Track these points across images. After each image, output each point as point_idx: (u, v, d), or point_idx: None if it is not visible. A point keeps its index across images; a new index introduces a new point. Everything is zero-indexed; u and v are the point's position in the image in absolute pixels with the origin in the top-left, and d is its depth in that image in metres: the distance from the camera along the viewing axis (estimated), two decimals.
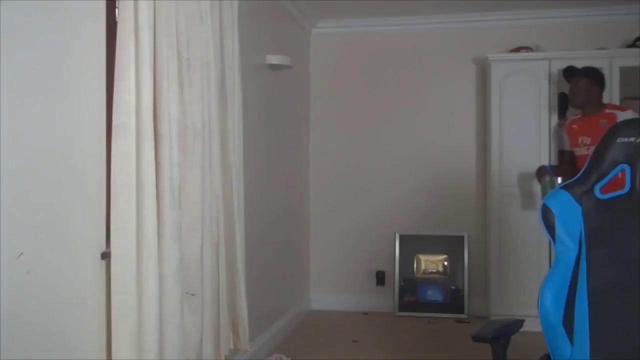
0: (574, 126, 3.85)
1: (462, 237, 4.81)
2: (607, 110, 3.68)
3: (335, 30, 5.08)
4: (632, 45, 4.41)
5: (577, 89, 3.76)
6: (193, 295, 2.41)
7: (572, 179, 1.90)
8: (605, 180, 1.85)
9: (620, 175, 1.83)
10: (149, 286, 2.08)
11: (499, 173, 4.43)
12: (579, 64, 4.38)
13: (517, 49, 4.57)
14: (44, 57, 1.82)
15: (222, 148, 2.71)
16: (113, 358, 2.04)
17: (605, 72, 4.25)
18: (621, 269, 1.79)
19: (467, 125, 4.87)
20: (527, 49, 4.56)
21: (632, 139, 1.81)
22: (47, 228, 1.84)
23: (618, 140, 1.83)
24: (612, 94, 4.25)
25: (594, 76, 3.76)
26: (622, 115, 3.44)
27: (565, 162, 3.99)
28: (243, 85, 2.95)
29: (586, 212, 1.84)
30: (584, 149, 3.72)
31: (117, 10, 2.18)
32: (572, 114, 4.13)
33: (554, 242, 1.86)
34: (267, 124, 3.97)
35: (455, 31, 4.86)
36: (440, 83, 4.86)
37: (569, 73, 3.85)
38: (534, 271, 4.25)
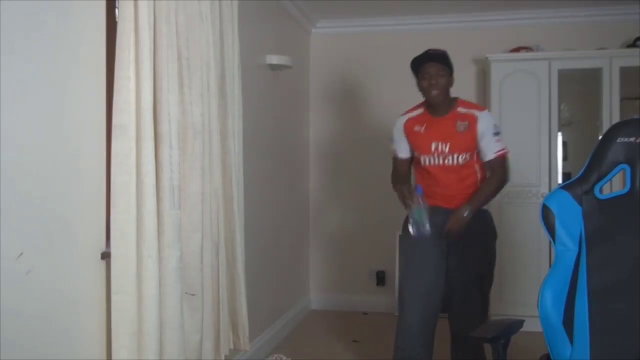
0: (416, 128, 2.94)
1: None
2: (461, 109, 2.90)
3: (335, 30, 5.08)
4: (632, 45, 4.41)
5: (433, 80, 2.83)
6: (193, 295, 2.42)
7: (572, 179, 1.90)
8: (605, 180, 1.85)
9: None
10: (149, 286, 2.08)
11: None
12: (579, 64, 4.40)
13: (517, 49, 4.57)
14: (44, 57, 1.82)
15: (222, 148, 2.71)
16: (113, 358, 2.04)
17: (605, 72, 4.27)
18: (621, 269, 1.79)
19: None
20: (527, 49, 4.56)
21: (632, 139, 1.81)
22: (47, 228, 1.84)
23: (618, 140, 1.84)
24: (612, 94, 4.25)
25: (448, 62, 2.90)
26: (482, 116, 2.86)
27: (402, 177, 3.07)
28: (243, 85, 2.95)
29: (586, 212, 1.84)
30: (440, 159, 2.89)
31: (117, 10, 2.18)
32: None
33: (554, 242, 1.86)
34: (267, 124, 3.97)
35: (455, 31, 4.86)
36: None
37: (418, 61, 2.90)
38: (534, 271, 4.25)
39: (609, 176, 1.85)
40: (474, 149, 2.87)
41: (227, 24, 2.74)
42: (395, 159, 3.10)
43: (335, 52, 5.10)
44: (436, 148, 2.88)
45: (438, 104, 2.88)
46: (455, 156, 2.86)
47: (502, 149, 2.87)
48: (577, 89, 4.74)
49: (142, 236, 2.07)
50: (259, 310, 3.60)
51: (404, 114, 3.04)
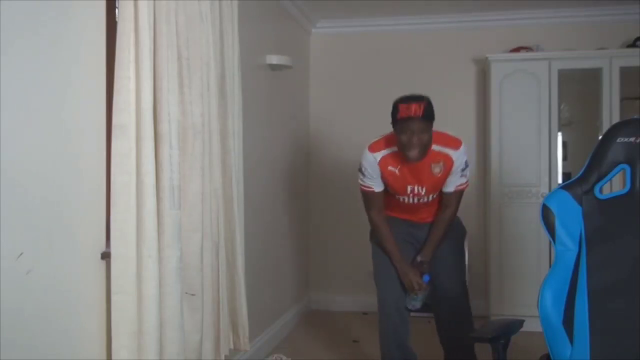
0: (390, 168, 2.79)
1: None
2: (436, 147, 2.71)
3: (335, 30, 5.08)
4: (632, 45, 4.41)
5: (415, 139, 2.59)
6: (193, 295, 2.41)
7: (572, 179, 1.90)
8: (605, 180, 1.86)
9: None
10: (149, 286, 2.08)
11: (499, 173, 4.43)
12: (579, 64, 4.40)
13: (517, 49, 4.57)
14: (44, 57, 1.82)
15: (222, 148, 2.71)
16: (113, 358, 2.04)
17: (605, 72, 4.27)
18: (621, 269, 1.79)
19: (467, 125, 4.87)
20: (527, 49, 4.56)
21: (632, 139, 1.82)
22: (47, 228, 1.84)
23: (618, 140, 1.84)
24: (612, 94, 4.25)
25: (433, 114, 2.65)
26: (457, 157, 2.73)
27: (384, 225, 2.94)
28: (243, 85, 2.95)
29: (586, 212, 1.85)
30: (415, 199, 2.86)
31: (117, 10, 2.18)
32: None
33: (554, 242, 1.86)
34: (267, 124, 3.97)
35: (455, 31, 4.86)
36: (440, 83, 4.85)
37: (400, 110, 2.60)
38: (534, 271, 4.25)
39: (609, 176, 1.85)
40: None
41: (227, 24, 2.74)
42: (372, 194, 2.89)
43: (335, 52, 5.10)
44: (412, 190, 2.83)
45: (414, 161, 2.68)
46: (431, 196, 2.88)
47: (464, 183, 2.87)
48: (577, 89, 4.74)
49: (142, 236, 2.07)
50: (259, 310, 3.60)
51: (374, 150, 2.80)
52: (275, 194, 4.15)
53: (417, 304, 2.96)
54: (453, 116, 4.88)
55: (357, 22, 4.99)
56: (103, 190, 2.09)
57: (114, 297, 2.04)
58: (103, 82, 2.10)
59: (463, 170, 2.81)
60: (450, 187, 2.85)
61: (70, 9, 1.92)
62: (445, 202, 2.91)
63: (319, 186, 5.13)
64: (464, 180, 2.85)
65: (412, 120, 2.57)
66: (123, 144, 2.03)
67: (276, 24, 4.19)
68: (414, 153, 2.62)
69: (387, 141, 2.80)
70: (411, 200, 2.87)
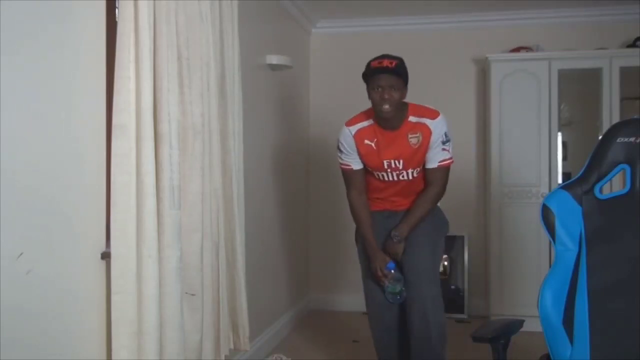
0: (367, 142, 2.75)
1: (462, 237, 4.80)
2: (412, 118, 2.68)
3: (335, 30, 5.08)
4: (632, 45, 4.41)
5: (386, 94, 2.57)
6: (193, 295, 2.41)
7: (572, 179, 1.90)
8: (605, 180, 1.86)
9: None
10: (149, 286, 2.08)
11: (499, 173, 4.43)
12: (579, 64, 4.40)
13: (517, 49, 4.57)
14: (44, 57, 1.82)
15: (222, 148, 2.71)
16: (113, 358, 2.04)
17: (605, 72, 4.27)
18: (621, 269, 1.79)
19: (467, 125, 4.87)
20: (527, 49, 4.56)
21: (632, 139, 1.82)
22: (47, 228, 1.84)
23: (618, 140, 1.84)
24: (612, 94, 4.25)
25: (402, 73, 2.62)
26: (435, 126, 2.66)
27: (363, 207, 2.87)
28: (243, 85, 2.95)
29: (586, 212, 1.84)
30: (394, 175, 2.77)
31: (117, 10, 2.18)
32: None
33: (554, 242, 1.86)
34: (267, 124, 3.97)
35: (455, 31, 4.86)
36: (440, 83, 4.86)
37: (370, 70, 2.62)
38: (534, 271, 4.25)
39: (609, 176, 1.85)
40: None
41: (227, 24, 2.74)
42: (350, 172, 2.87)
43: (335, 52, 5.10)
44: (389, 165, 2.74)
45: (388, 119, 2.66)
46: (410, 171, 2.75)
47: (447, 159, 2.74)
48: (577, 89, 4.74)
49: (142, 236, 2.07)
50: (259, 310, 3.60)
51: (350, 124, 2.81)
52: (275, 194, 4.15)
53: (394, 297, 2.78)
54: (453, 116, 4.85)
55: (357, 22, 4.99)
56: (103, 190, 2.10)
57: (114, 297, 2.04)
58: (103, 82, 2.10)
59: (444, 143, 2.69)
60: (432, 162, 2.73)
61: (70, 9, 1.92)
62: (429, 179, 2.77)
63: (319, 186, 5.13)
64: (446, 155, 2.72)
65: (383, 73, 2.56)
66: (123, 144, 2.03)
67: (276, 24, 4.19)
68: (386, 107, 2.58)
69: (364, 114, 2.80)
70: (390, 177, 2.77)
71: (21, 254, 1.72)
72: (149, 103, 2.08)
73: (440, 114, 2.71)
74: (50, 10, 1.84)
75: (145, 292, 2.08)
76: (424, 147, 2.69)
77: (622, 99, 4.24)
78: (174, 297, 2.22)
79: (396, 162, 2.73)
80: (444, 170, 2.76)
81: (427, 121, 2.67)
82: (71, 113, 1.94)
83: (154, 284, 2.09)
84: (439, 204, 2.91)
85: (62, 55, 1.90)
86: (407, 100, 2.73)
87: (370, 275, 2.87)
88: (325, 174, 5.11)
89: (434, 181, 2.77)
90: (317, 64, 5.13)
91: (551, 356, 1.82)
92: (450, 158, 2.76)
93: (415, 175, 2.78)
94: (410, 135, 2.68)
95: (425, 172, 2.79)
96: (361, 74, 2.69)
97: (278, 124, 4.22)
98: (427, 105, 2.76)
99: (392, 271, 2.76)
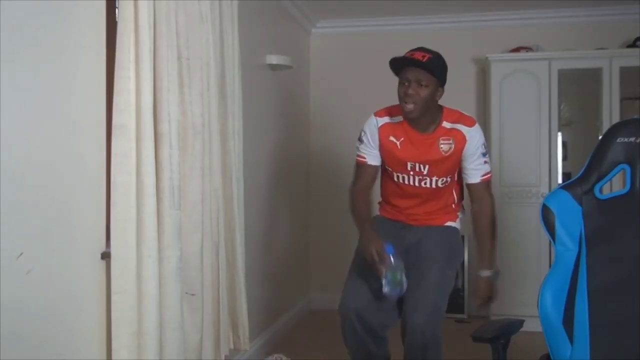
0: (392, 139, 2.49)
1: (462, 237, 4.78)
2: (446, 124, 2.43)
3: (335, 30, 5.08)
4: (632, 45, 4.41)
5: (411, 90, 2.32)
6: (193, 295, 2.41)
7: (572, 179, 1.90)
8: (605, 180, 1.86)
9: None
10: (149, 286, 2.08)
11: (499, 173, 4.42)
12: (579, 64, 4.40)
13: (517, 49, 4.57)
14: (44, 57, 1.82)
15: (222, 148, 2.71)
16: (113, 358, 2.04)
17: (605, 72, 4.27)
18: (621, 269, 1.79)
19: None
20: (527, 49, 4.56)
21: (632, 139, 1.82)
22: (47, 228, 1.84)
23: (618, 140, 1.84)
24: (612, 94, 4.25)
25: (440, 70, 2.38)
26: (472, 134, 2.42)
27: (363, 202, 2.55)
28: (243, 85, 2.95)
29: (586, 212, 1.85)
30: (416, 180, 2.50)
31: (117, 10, 2.18)
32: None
33: (554, 242, 1.87)
34: (267, 124, 3.97)
35: (455, 31, 4.86)
36: None
37: (399, 62, 2.39)
38: (534, 271, 4.25)
39: (609, 176, 1.85)
40: (456, 171, 2.53)
41: (227, 24, 2.74)
42: (364, 166, 2.57)
43: (335, 52, 5.10)
44: (412, 167, 2.47)
45: (413, 119, 2.41)
46: (434, 179, 2.50)
47: (488, 173, 2.52)
48: (577, 89, 4.74)
49: (142, 236, 2.07)
50: (259, 310, 3.60)
51: (379, 115, 2.55)
52: (275, 194, 4.15)
53: (393, 289, 2.38)
54: None
55: (357, 22, 4.99)
56: (103, 190, 2.09)
57: (114, 297, 2.04)
58: (103, 82, 2.10)
59: (484, 155, 2.46)
60: (474, 177, 2.49)
61: (70, 9, 1.92)
62: (475, 196, 2.53)
63: (319, 186, 5.13)
64: (488, 168, 2.49)
65: (411, 65, 2.31)
66: (123, 144, 2.03)
67: (276, 24, 4.19)
68: (409, 106, 2.31)
69: (396, 108, 2.50)
70: (410, 181, 2.50)
71: (21, 254, 1.72)
72: (149, 103, 2.08)
73: (477, 124, 2.48)
74: (50, 10, 1.84)
75: (145, 292, 2.08)
76: (455, 155, 2.46)
77: (622, 99, 4.24)
78: (174, 297, 2.22)
79: (421, 166, 2.47)
80: (489, 184, 2.55)
81: (464, 128, 2.43)
82: (71, 113, 1.94)
83: (154, 284, 2.09)
84: (459, 227, 2.69)
85: (62, 55, 1.90)
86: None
87: (358, 268, 2.56)
88: (326, 174, 5.11)
89: (483, 197, 2.54)
90: (317, 64, 5.13)
91: (551, 356, 1.82)
92: (490, 172, 2.54)
93: (440, 185, 2.52)
94: (441, 141, 2.43)
95: (468, 188, 2.57)
96: (389, 68, 2.46)
97: (278, 124, 4.22)
98: (461, 111, 2.53)
99: (391, 256, 2.34)
